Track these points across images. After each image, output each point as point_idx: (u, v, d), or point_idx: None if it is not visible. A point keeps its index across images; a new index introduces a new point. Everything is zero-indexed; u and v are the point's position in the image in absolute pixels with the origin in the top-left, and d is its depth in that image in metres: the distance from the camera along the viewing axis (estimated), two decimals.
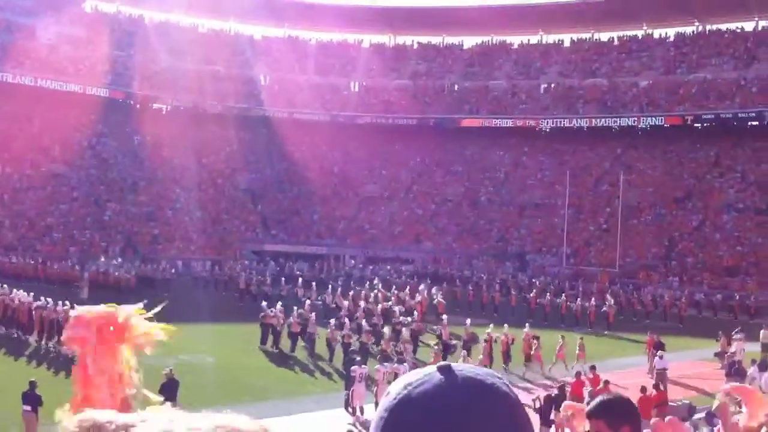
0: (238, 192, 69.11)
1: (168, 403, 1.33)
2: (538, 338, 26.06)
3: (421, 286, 41.05)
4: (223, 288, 46.43)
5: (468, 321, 28.12)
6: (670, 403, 18.91)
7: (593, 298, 39.64)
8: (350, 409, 19.58)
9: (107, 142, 68.33)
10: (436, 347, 24.26)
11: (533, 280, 50.54)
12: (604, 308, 37.62)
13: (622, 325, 36.73)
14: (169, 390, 15.73)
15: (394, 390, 1.16)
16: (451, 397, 1.12)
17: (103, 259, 49.83)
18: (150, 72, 72.07)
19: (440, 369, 1.17)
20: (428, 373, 1.16)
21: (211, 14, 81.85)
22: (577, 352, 25.89)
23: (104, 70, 69.12)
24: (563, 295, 41.48)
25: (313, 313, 28.82)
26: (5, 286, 31.40)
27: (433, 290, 40.55)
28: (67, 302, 25.76)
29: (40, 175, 60.59)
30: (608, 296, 40.41)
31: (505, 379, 1.21)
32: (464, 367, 1.19)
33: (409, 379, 1.16)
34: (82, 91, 66.86)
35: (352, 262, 59.60)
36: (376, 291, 38.51)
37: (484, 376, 1.17)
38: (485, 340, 25.22)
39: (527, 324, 28.51)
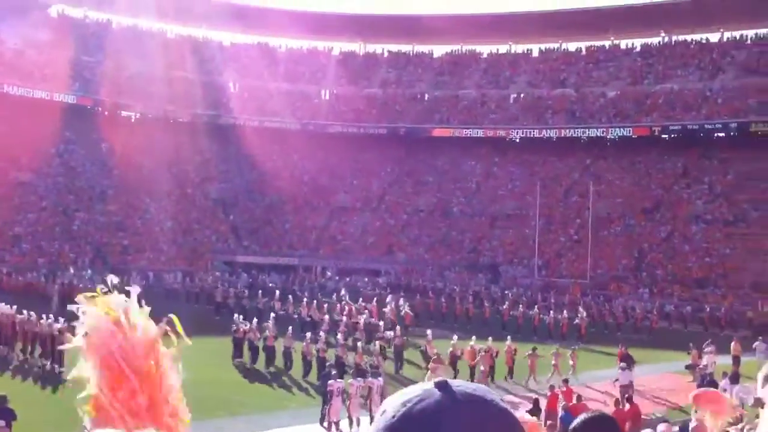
0: (209, 201, 68.61)
1: None
2: (535, 349, 26.53)
3: (388, 298, 41.05)
4: (194, 300, 45.95)
5: (429, 332, 28.28)
6: (643, 417, 19.03)
7: (565, 310, 39.88)
8: (326, 424, 19.49)
9: (75, 150, 67.48)
10: (433, 360, 24.10)
11: (506, 292, 50.74)
12: (576, 320, 37.81)
13: (594, 338, 36.99)
14: None
15: (392, 407, 1.15)
16: (452, 413, 1.12)
17: (72, 271, 49.15)
18: (118, 78, 71.30)
19: (438, 385, 1.16)
20: (426, 390, 1.16)
21: (179, 20, 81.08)
22: (552, 362, 26.12)
23: (71, 76, 68.36)
24: (536, 307, 41.67)
25: (291, 327, 28.68)
26: None
27: (401, 302, 40.55)
28: (51, 316, 25.69)
29: (6, 183, 59.54)
30: (580, 308, 40.64)
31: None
32: (461, 383, 1.19)
33: (407, 396, 1.16)
34: (48, 98, 66.02)
35: (328, 273, 59.30)
36: (343, 302, 38.42)
37: (483, 392, 1.17)
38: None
39: (509, 336, 28.74)
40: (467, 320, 40.38)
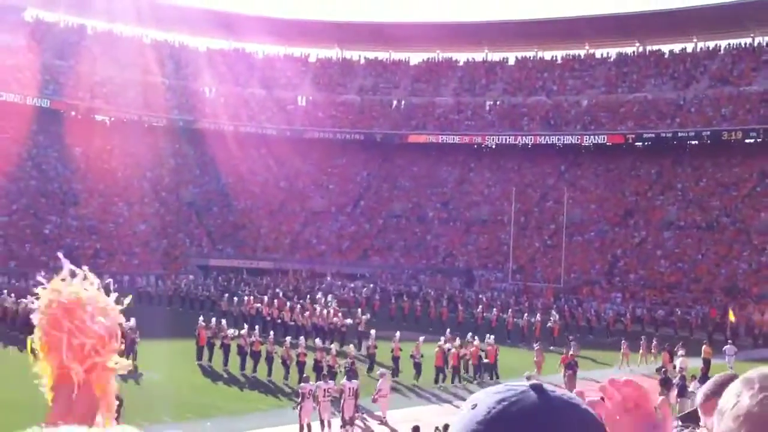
0: (183, 206, 68.21)
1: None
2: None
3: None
4: (168, 302, 45.66)
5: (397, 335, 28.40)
6: None
7: (539, 314, 40.17)
8: (299, 426, 19.38)
9: (47, 154, 66.85)
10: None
11: (479, 296, 50.92)
12: (549, 323, 38.01)
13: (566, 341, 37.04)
14: None
15: (485, 404, 1.16)
16: (549, 417, 1.14)
17: (43, 273, 48.46)
18: (92, 82, 70.85)
19: (534, 388, 1.18)
20: (522, 391, 1.17)
21: (155, 25, 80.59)
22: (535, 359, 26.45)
23: (45, 80, 67.78)
24: (509, 310, 41.85)
25: (272, 332, 28.69)
26: None
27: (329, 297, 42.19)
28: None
29: None
30: (553, 312, 40.98)
31: None
32: (554, 388, 1.21)
33: (502, 395, 1.17)
34: (21, 101, 65.43)
35: (328, 278, 58.11)
36: (330, 309, 38.25)
37: (577, 400, 1.19)
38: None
39: (491, 336, 28.83)
40: (441, 323, 40.41)
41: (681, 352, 28.23)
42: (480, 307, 42.81)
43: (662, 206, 62.50)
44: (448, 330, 30.24)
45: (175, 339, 32.91)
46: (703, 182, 63.27)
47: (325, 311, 36.36)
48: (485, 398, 1.18)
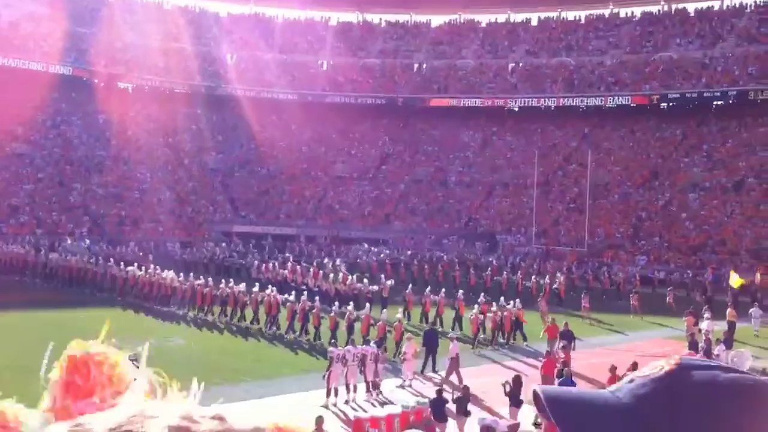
0: (206, 172, 68.46)
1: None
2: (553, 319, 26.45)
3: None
4: (193, 269, 45.84)
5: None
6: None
7: (547, 276, 40.95)
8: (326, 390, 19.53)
9: (71, 121, 67.20)
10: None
11: (490, 259, 51.10)
12: (555, 285, 38.58)
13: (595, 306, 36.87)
14: None
15: (641, 383, 1.12)
16: (747, 389, 1.10)
17: (69, 241, 49.11)
18: (114, 50, 70.89)
19: (681, 366, 1.14)
20: (712, 364, 1.13)
21: None
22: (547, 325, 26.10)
23: (67, 48, 67.86)
24: (518, 273, 42.82)
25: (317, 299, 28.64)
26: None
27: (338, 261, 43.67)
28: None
29: (2, 155, 59.38)
30: (558, 274, 41.84)
31: None
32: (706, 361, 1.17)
33: (694, 362, 1.13)
34: (44, 70, 65.67)
35: (367, 246, 56.32)
36: (341, 273, 38.47)
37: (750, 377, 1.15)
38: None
39: (514, 301, 28.76)
40: (453, 286, 40.32)
41: (707, 315, 28.08)
42: (489, 270, 43.10)
43: (687, 167, 61.84)
44: (483, 294, 30.38)
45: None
46: (730, 143, 62.48)
47: (349, 277, 36.40)
48: (641, 377, 1.14)
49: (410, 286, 33.06)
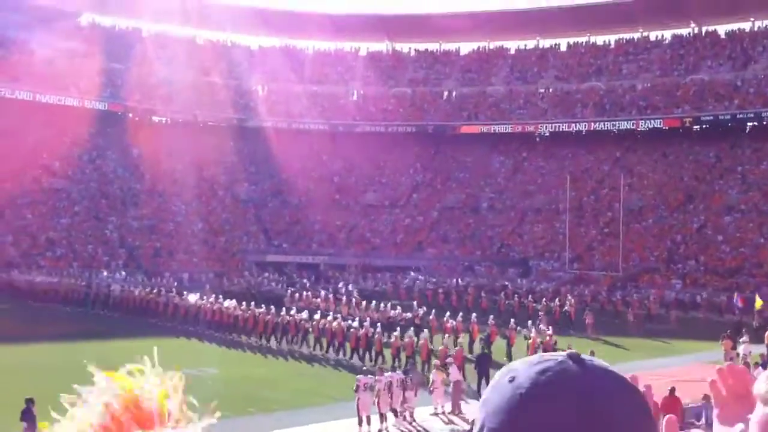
0: (239, 203, 69.09)
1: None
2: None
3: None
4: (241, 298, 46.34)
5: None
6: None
7: (557, 299, 41.52)
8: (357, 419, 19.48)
9: (107, 156, 68.32)
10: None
11: (505, 284, 51.10)
12: (566, 307, 38.95)
13: (610, 329, 36.44)
14: None
15: (527, 376, 1.10)
16: (595, 384, 1.09)
17: (105, 273, 49.76)
18: (148, 84, 72.03)
19: (572, 357, 1.13)
20: (561, 361, 1.12)
21: (206, 25, 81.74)
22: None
23: (102, 83, 69.15)
24: (529, 296, 43.54)
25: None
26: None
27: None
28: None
29: (40, 189, 60.54)
30: (569, 296, 42.65)
31: None
32: (592, 358, 1.15)
33: (543, 365, 1.11)
34: (80, 105, 66.93)
35: (411, 273, 57.18)
36: (353, 299, 38.84)
37: (611, 367, 1.15)
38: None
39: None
40: (466, 310, 40.04)
41: (744, 338, 27.67)
42: (503, 294, 44.26)
43: (722, 190, 61.15)
44: (540, 322, 31.67)
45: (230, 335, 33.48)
46: (764, 164, 61.72)
47: (362, 303, 36.92)
48: (525, 370, 1.11)
49: (473, 315, 32.98)
